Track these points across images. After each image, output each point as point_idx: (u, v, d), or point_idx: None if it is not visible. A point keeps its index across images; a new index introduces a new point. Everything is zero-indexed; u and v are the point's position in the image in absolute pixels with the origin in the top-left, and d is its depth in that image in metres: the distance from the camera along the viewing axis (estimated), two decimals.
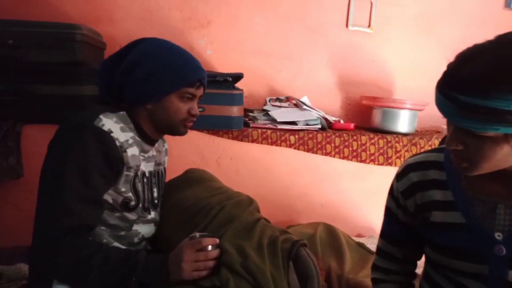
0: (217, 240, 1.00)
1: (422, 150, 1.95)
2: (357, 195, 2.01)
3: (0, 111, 1.59)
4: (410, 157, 0.95)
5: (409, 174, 0.90)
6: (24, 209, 1.58)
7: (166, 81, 1.02)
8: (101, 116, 0.98)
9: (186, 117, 1.08)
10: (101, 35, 1.89)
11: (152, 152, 1.13)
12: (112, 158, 0.97)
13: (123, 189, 1.02)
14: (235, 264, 0.96)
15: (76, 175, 0.92)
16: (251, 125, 1.91)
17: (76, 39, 1.63)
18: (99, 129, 0.96)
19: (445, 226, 0.85)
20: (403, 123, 2.07)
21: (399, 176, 0.93)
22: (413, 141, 2.00)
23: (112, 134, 0.97)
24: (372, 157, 1.97)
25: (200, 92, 1.10)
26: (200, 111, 1.72)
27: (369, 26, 2.34)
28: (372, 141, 1.97)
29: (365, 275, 1.38)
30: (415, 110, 2.10)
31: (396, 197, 0.93)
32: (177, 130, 1.10)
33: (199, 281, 0.96)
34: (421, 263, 1.00)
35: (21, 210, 1.59)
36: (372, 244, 1.80)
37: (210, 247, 0.98)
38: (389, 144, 1.98)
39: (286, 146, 1.89)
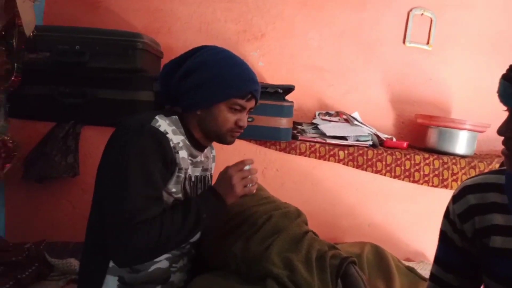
0: (253, 160, 1.07)
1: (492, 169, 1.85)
2: (407, 217, 1.91)
3: (64, 112, 1.68)
4: (468, 178, 0.90)
5: (467, 196, 0.85)
6: (78, 206, 1.65)
7: (217, 90, 1.04)
8: (157, 118, 1.01)
9: (233, 127, 1.08)
10: (159, 44, 1.96)
11: (200, 158, 1.14)
12: (167, 158, 1.00)
13: (173, 190, 1.03)
14: (282, 276, 0.93)
15: (141, 176, 0.95)
16: (299, 138, 1.89)
17: (137, 47, 1.70)
18: (156, 129, 0.99)
19: (506, 252, 0.78)
20: (461, 144, 1.96)
21: (455, 198, 0.88)
22: (472, 164, 1.89)
23: (167, 135, 1.00)
24: (426, 178, 1.87)
25: (251, 104, 1.10)
26: (249, 121, 1.73)
27: (427, 43, 2.26)
28: (427, 161, 1.88)
29: None
30: (475, 131, 1.98)
31: (453, 221, 0.88)
32: (224, 139, 1.11)
33: None
34: None
35: (75, 207, 1.66)
36: (422, 270, 1.70)
37: (248, 166, 1.04)
38: (445, 166, 1.87)
39: (335, 161, 1.84)
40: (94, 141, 1.66)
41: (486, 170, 1.87)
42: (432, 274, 0.95)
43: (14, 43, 1.55)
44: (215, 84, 1.03)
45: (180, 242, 1.02)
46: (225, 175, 1.04)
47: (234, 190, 1.02)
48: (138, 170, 0.95)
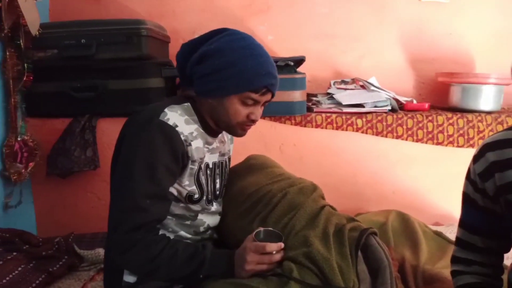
0: (282, 245, 0.96)
1: None
2: (433, 181, 1.86)
3: (78, 107, 1.70)
4: (489, 136, 0.87)
5: (486, 154, 0.83)
6: (102, 197, 1.70)
7: (229, 81, 0.97)
8: (166, 110, 0.97)
9: (245, 121, 1.03)
10: (165, 29, 1.94)
11: (216, 144, 1.11)
12: (178, 152, 0.96)
13: (186, 182, 1.02)
14: (297, 256, 0.92)
15: (145, 172, 0.93)
16: (314, 110, 1.84)
17: (142, 34, 1.69)
18: (165, 123, 0.95)
19: None
20: (486, 100, 1.86)
21: (476, 158, 0.86)
22: (499, 120, 1.79)
23: (177, 129, 0.96)
24: (451, 139, 1.80)
25: (266, 98, 1.03)
26: None
27: None
28: (450, 121, 1.80)
29: (443, 266, 1.27)
30: (500, 85, 1.87)
31: (474, 181, 0.86)
32: (234, 131, 1.06)
33: None
34: (509, 254, 0.89)
35: (100, 199, 1.70)
36: (452, 233, 1.66)
37: (274, 252, 0.94)
38: (470, 124, 1.79)
39: (353, 130, 1.80)
40: (110, 132, 1.68)
41: None
42: (457, 238, 0.93)
43: (22, 43, 1.57)
44: (227, 75, 0.97)
45: (165, 278, 0.97)
46: (244, 251, 0.95)
47: (243, 273, 0.94)
48: (143, 166, 0.93)
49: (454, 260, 0.94)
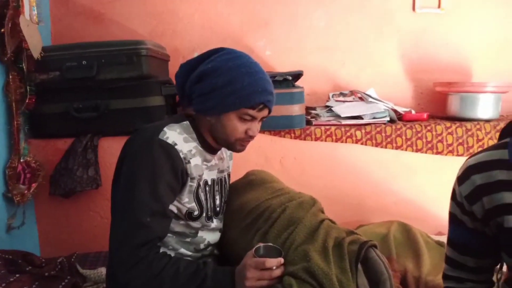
0: (282, 260, 0.97)
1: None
2: (434, 190, 1.85)
3: (80, 127, 1.73)
4: (470, 156, 0.85)
5: (472, 177, 0.81)
6: (105, 216, 1.71)
7: (227, 99, 1.00)
8: (165, 129, 1.00)
9: (243, 137, 1.06)
10: (164, 48, 1.98)
11: (215, 161, 1.13)
12: (178, 170, 0.99)
13: (186, 199, 1.03)
14: (297, 271, 0.92)
15: (147, 190, 0.95)
16: (313, 123, 1.86)
17: (142, 54, 1.72)
18: (164, 142, 0.98)
19: None
20: (484, 108, 1.87)
21: (460, 180, 0.84)
22: (498, 127, 1.80)
23: (176, 147, 0.99)
24: (450, 148, 1.80)
25: (263, 114, 1.05)
26: None
27: (439, 6, 2.15)
28: (449, 130, 1.80)
29: None
30: (498, 93, 1.88)
31: (461, 203, 0.84)
32: (233, 147, 1.09)
33: None
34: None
35: (103, 218, 1.72)
36: None
37: (274, 267, 0.95)
38: (469, 133, 1.80)
39: (352, 142, 1.81)
40: (112, 151, 1.70)
41: None
42: (447, 256, 0.92)
43: (24, 67, 1.60)
44: (225, 93, 1.00)
45: None
46: (244, 268, 0.96)
47: (244, 285, 0.94)
48: (144, 185, 0.95)
49: (446, 277, 0.93)
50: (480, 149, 1.77)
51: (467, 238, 0.86)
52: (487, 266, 0.89)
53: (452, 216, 0.89)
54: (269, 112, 1.07)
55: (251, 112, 1.02)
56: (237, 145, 1.07)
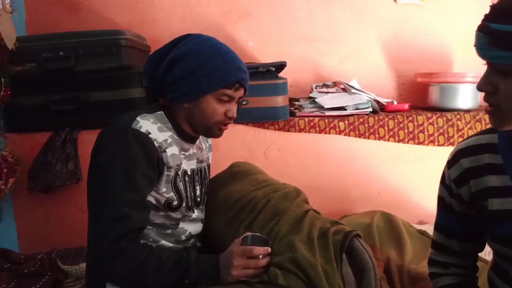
0: (269, 249, 0.97)
1: (488, 126, 1.80)
2: (416, 180, 1.89)
3: (59, 120, 1.68)
4: (460, 141, 0.87)
5: (460, 160, 0.83)
6: (86, 211, 1.64)
7: (203, 81, 1.00)
8: (138, 118, 0.98)
9: (223, 119, 1.05)
10: (145, 38, 1.93)
11: (193, 150, 1.12)
12: (153, 158, 0.97)
13: (164, 189, 1.02)
14: (284, 259, 0.92)
15: (123, 180, 0.94)
16: (297, 114, 1.86)
17: (121, 44, 1.68)
18: (138, 131, 0.96)
19: (505, 214, 0.77)
20: (464, 98, 1.90)
21: (450, 163, 0.86)
22: (477, 117, 1.83)
23: (150, 136, 0.97)
24: (431, 138, 1.83)
25: (239, 93, 1.05)
26: (244, 104, 1.72)
27: None
28: (430, 120, 1.83)
29: None
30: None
31: (449, 186, 0.86)
32: (212, 132, 1.08)
33: None
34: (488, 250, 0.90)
35: (84, 212, 1.65)
36: None
37: (261, 256, 0.95)
38: (450, 123, 1.83)
39: (336, 133, 1.81)
40: (92, 145, 1.66)
41: None
42: (434, 241, 0.94)
43: None
44: (200, 75, 0.99)
45: (150, 286, 0.95)
46: (230, 255, 0.95)
47: (229, 277, 0.94)
48: (120, 175, 0.93)
49: (432, 262, 0.95)
50: (460, 139, 1.82)
51: (453, 222, 0.88)
52: (472, 251, 0.91)
53: (440, 199, 0.91)
54: (245, 92, 1.08)
55: (228, 92, 1.02)
56: (215, 129, 1.07)
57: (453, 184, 0.84)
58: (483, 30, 0.69)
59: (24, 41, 1.64)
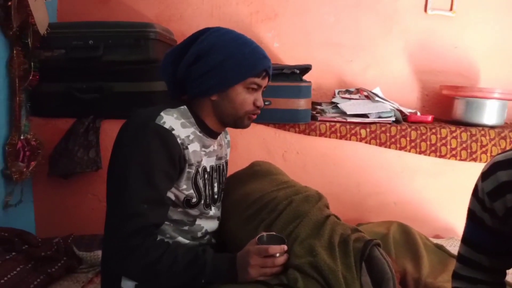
0: (285, 247, 0.96)
1: None
2: (435, 193, 1.85)
3: (83, 108, 1.70)
4: (499, 153, 0.84)
5: (497, 173, 0.79)
6: (103, 199, 1.68)
7: (233, 71, 1.00)
8: (162, 114, 0.96)
9: (252, 108, 1.05)
10: (172, 32, 1.95)
11: (214, 147, 1.11)
12: (175, 156, 0.96)
13: (184, 186, 1.01)
14: (303, 265, 0.91)
15: (142, 176, 0.92)
16: (318, 119, 1.84)
17: (150, 37, 1.69)
18: (161, 127, 0.94)
19: None
20: (490, 114, 1.87)
21: (485, 175, 0.82)
22: (502, 134, 1.80)
23: (173, 132, 0.96)
24: (453, 152, 1.80)
25: (265, 82, 1.07)
26: (266, 104, 1.71)
27: (450, 9, 2.14)
28: (454, 134, 1.80)
29: (445, 280, 1.26)
30: (504, 100, 1.88)
31: (482, 199, 0.83)
32: (242, 122, 1.07)
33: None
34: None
35: (101, 201, 1.70)
36: (452, 246, 1.65)
37: (278, 254, 0.94)
38: (474, 138, 1.79)
39: (357, 140, 1.80)
40: (114, 134, 1.61)
41: None
42: (460, 254, 0.91)
43: (30, 43, 1.57)
44: (230, 65, 1.00)
45: (165, 284, 0.95)
46: (247, 254, 0.95)
47: (247, 276, 0.94)
48: (139, 171, 0.92)
49: (457, 276, 0.92)
50: (483, 155, 1.79)
51: (484, 236, 0.86)
52: (501, 267, 0.88)
53: (471, 213, 0.88)
54: (269, 80, 1.09)
55: (256, 80, 1.03)
56: (245, 119, 1.07)
57: (486, 197, 0.82)
58: None
59: (55, 27, 1.67)
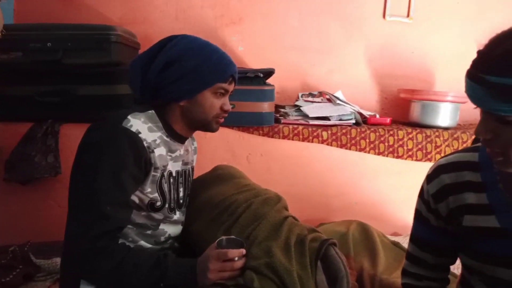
0: (244, 251, 0.98)
1: (465, 145, 1.86)
2: (394, 192, 1.93)
3: (42, 112, 1.66)
4: (442, 157, 0.89)
5: (441, 176, 0.84)
6: (62, 205, 1.64)
7: (202, 77, 1.03)
8: (129, 117, 0.98)
9: (219, 113, 1.09)
10: (135, 35, 1.93)
11: (180, 152, 1.13)
12: (141, 158, 0.97)
13: (149, 190, 1.02)
14: (259, 266, 0.94)
15: (110, 178, 0.93)
16: (282, 121, 1.88)
17: (111, 40, 1.67)
18: (128, 130, 0.96)
19: (478, 230, 0.79)
20: (444, 116, 1.96)
21: (429, 178, 0.87)
22: (455, 135, 1.89)
23: (140, 135, 0.97)
24: (410, 153, 1.88)
25: (232, 87, 1.10)
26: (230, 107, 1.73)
27: (407, 16, 2.23)
28: (410, 135, 1.88)
29: (400, 276, 1.31)
30: (457, 102, 1.98)
31: (427, 200, 0.87)
32: (210, 126, 1.11)
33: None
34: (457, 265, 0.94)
35: (60, 206, 1.66)
36: None
37: (236, 258, 0.96)
38: (429, 139, 1.88)
39: (319, 142, 1.84)
40: (74, 138, 1.60)
41: (469, 141, 1.88)
42: (408, 252, 0.96)
43: None
44: (200, 72, 1.03)
45: (128, 284, 0.95)
46: (206, 259, 0.97)
47: (206, 280, 0.95)
48: (107, 174, 0.93)
49: (405, 273, 0.97)
50: (437, 155, 1.88)
51: (429, 235, 0.90)
52: (445, 264, 0.93)
53: (417, 213, 0.92)
54: (235, 85, 1.13)
55: (224, 85, 1.07)
56: (213, 123, 1.10)
57: (431, 199, 0.86)
58: (477, 81, 0.66)
59: (11, 29, 1.61)
